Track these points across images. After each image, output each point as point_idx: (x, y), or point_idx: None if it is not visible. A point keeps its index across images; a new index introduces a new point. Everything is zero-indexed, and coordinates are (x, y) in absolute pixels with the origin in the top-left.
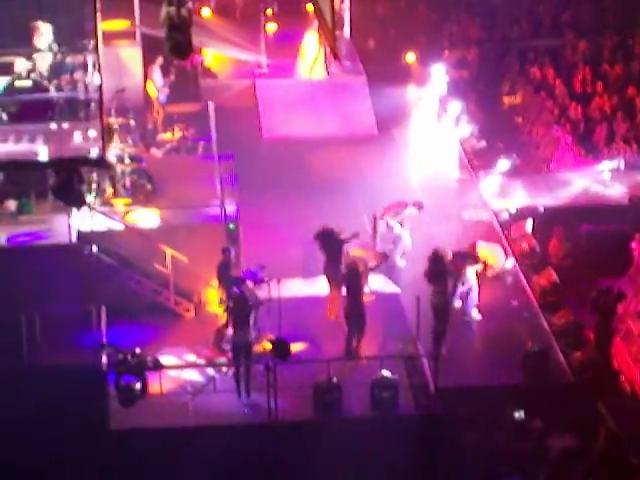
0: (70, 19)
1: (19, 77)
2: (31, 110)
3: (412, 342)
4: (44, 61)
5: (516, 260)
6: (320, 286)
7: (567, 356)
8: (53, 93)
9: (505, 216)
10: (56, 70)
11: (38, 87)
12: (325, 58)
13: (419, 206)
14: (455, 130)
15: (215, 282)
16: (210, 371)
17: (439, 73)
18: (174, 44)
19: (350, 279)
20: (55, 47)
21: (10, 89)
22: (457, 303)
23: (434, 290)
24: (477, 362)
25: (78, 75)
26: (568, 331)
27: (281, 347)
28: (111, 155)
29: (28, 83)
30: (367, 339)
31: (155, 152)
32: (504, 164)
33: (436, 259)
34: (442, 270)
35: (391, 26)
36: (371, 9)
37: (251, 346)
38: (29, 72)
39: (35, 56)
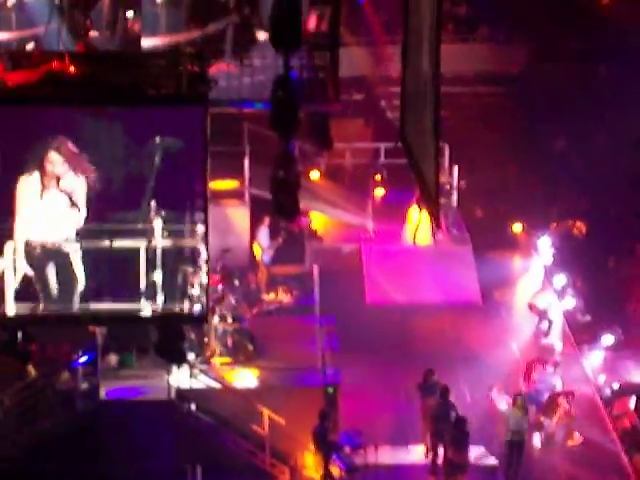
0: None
1: None
2: None
3: None
4: None
5: (618, 438)
6: (417, 454)
7: None
8: None
9: (608, 392)
10: None
11: None
12: (431, 225)
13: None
14: (560, 303)
15: (312, 446)
16: None
17: (546, 245)
18: (281, 206)
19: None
20: None
21: None
22: None
23: None
24: None
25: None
26: None
27: None
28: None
29: None
30: None
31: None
32: (608, 339)
33: None
34: None
35: (499, 196)
36: (479, 179)
37: None
38: None
39: None
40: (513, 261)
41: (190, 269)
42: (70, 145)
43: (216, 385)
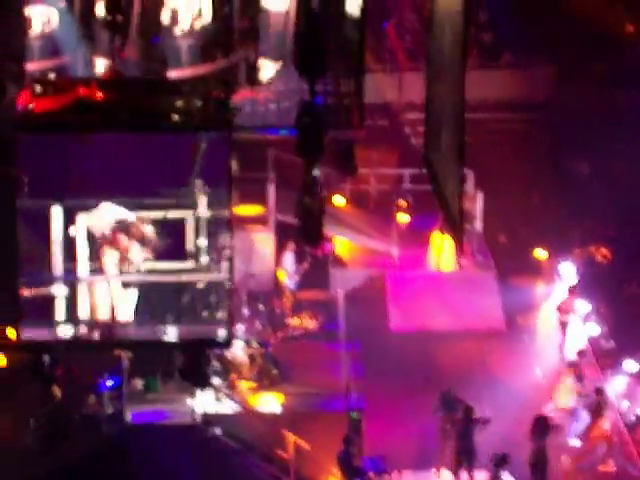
0: None
1: None
2: None
3: None
4: None
5: None
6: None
7: None
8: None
9: (632, 418)
10: None
11: None
12: (455, 251)
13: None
14: (583, 328)
15: (337, 472)
16: None
17: (569, 270)
18: (306, 232)
19: None
20: None
21: None
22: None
23: None
24: None
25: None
26: None
27: None
28: (239, 338)
29: None
30: None
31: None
32: (632, 365)
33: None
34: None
35: (523, 222)
36: (503, 204)
37: None
38: None
39: None
40: (536, 287)
41: (227, 235)
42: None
43: (241, 409)
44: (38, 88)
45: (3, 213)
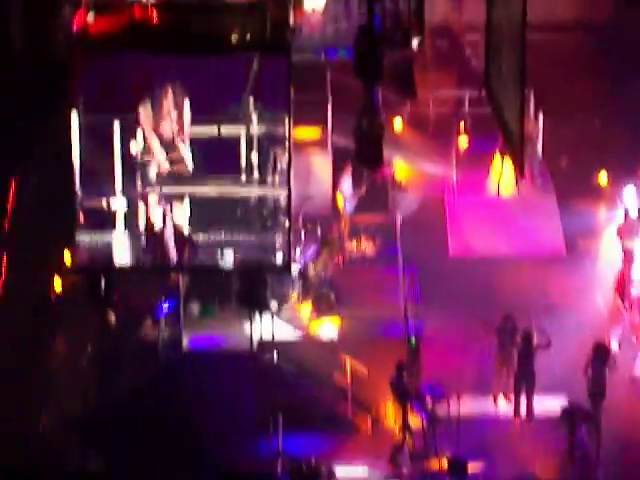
0: None
1: None
2: None
3: None
4: None
5: None
6: (499, 404)
7: None
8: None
9: None
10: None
11: None
12: (515, 175)
13: None
14: None
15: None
16: None
17: (631, 194)
18: (365, 155)
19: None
20: None
21: None
22: None
23: None
24: None
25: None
26: None
27: (458, 466)
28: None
29: None
30: None
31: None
32: None
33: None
34: None
35: (584, 145)
36: (564, 127)
37: None
38: None
39: None
40: (598, 211)
41: (279, 150)
42: None
43: (298, 335)
44: (93, 9)
45: (60, 134)
